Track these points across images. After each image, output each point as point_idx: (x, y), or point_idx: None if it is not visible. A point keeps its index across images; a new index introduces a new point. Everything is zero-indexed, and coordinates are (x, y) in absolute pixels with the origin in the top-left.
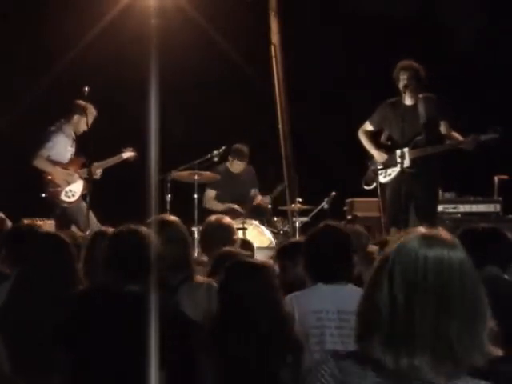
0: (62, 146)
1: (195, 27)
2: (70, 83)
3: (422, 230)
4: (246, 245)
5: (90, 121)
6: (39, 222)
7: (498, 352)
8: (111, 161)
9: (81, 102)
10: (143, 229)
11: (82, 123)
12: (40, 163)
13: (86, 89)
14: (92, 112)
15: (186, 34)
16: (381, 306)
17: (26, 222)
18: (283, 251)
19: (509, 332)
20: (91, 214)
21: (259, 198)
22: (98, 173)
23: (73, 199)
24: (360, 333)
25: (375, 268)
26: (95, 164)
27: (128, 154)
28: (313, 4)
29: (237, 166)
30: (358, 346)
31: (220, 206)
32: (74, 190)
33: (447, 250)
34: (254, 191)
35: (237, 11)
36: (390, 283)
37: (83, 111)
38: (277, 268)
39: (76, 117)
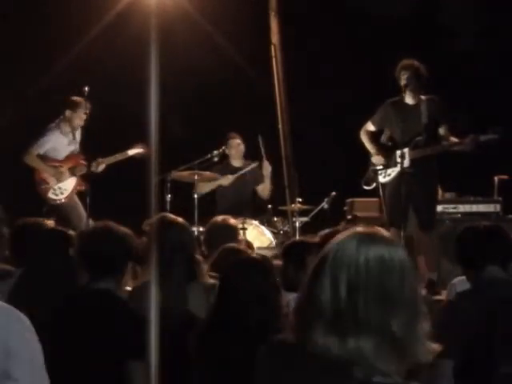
0: (58, 143)
1: (195, 27)
2: (69, 83)
3: (359, 229)
4: (246, 245)
5: (84, 115)
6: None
7: (439, 349)
8: (117, 156)
9: (73, 98)
10: (112, 225)
11: (75, 118)
12: (30, 160)
13: (86, 89)
14: (84, 106)
15: (186, 34)
16: (323, 302)
17: (28, 219)
18: (290, 249)
19: (509, 333)
20: (83, 211)
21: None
22: (100, 168)
23: (61, 197)
24: (299, 327)
25: (314, 267)
26: (100, 160)
27: (135, 150)
28: (313, 4)
29: (234, 150)
30: (297, 338)
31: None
32: (63, 188)
33: (387, 248)
34: (261, 186)
35: (237, 11)
36: (332, 282)
37: (75, 106)
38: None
39: (68, 112)
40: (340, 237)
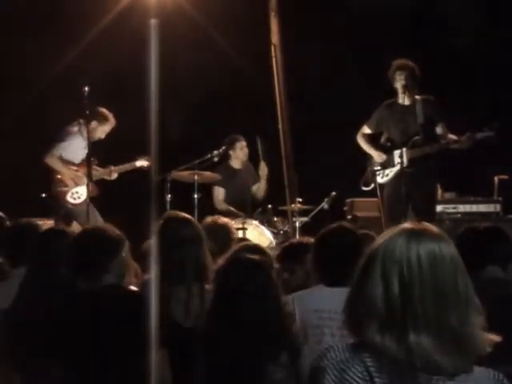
0: (78, 147)
1: (195, 27)
2: (70, 83)
3: (407, 225)
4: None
5: (108, 130)
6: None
7: (498, 339)
8: (126, 166)
9: (103, 110)
10: (97, 227)
11: (99, 130)
12: (52, 161)
13: (86, 89)
14: (112, 122)
15: (186, 34)
16: (375, 300)
17: (26, 220)
18: (288, 251)
19: (509, 333)
20: (98, 215)
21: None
22: (113, 176)
23: (78, 201)
24: (351, 326)
25: (363, 265)
26: (114, 167)
27: (142, 162)
28: (313, 4)
29: (240, 152)
30: (355, 339)
31: (223, 207)
32: (80, 192)
33: (437, 244)
34: (256, 186)
35: (237, 11)
36: (384, 281)
37: (104, 119)
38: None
39: (94, 123)
40: (387, 234)
